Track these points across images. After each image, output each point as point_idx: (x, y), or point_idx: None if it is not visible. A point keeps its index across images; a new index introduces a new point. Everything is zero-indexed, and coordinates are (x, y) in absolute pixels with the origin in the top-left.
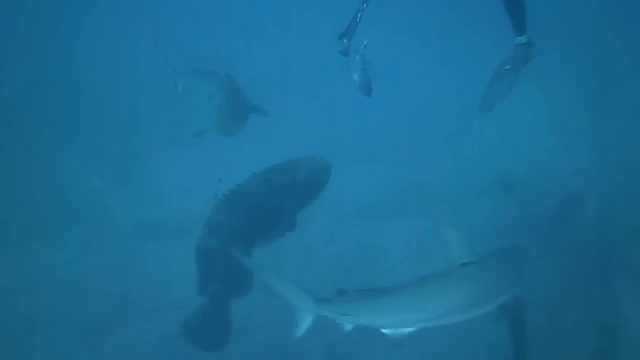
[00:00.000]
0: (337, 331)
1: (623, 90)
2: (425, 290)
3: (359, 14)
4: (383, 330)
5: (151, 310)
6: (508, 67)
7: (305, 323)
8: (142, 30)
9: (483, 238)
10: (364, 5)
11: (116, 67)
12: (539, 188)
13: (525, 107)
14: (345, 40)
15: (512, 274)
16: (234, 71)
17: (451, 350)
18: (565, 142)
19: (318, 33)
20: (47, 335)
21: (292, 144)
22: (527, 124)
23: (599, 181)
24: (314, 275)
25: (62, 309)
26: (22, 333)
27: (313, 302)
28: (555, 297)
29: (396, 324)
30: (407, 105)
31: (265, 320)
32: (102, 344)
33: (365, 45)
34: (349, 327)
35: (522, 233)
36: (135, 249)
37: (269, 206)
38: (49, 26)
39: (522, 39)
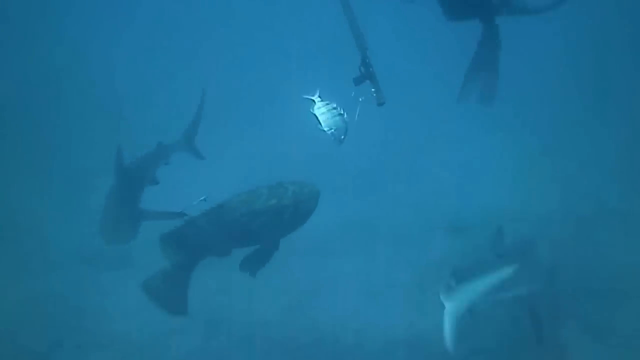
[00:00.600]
0: None
1: (574, 137)
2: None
3: (368, 61)
4: None
5: (86, 344)
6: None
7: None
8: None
9: (431, 278)
10: (367, 52)
11: (69, 83)
12: (488, 233)
13: (478, 151)
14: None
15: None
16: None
17: None
18: (516, 188)
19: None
20: None
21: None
22: (480, 168)
23: (548, 228)
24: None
25: None
26: None
27: None
28: (507, 343)
29: None
30: (361, 140)
31: None
32: None
33: (319, 96)
34: None
35: None
36: (73, 278)
37: (249, 227)
38: None
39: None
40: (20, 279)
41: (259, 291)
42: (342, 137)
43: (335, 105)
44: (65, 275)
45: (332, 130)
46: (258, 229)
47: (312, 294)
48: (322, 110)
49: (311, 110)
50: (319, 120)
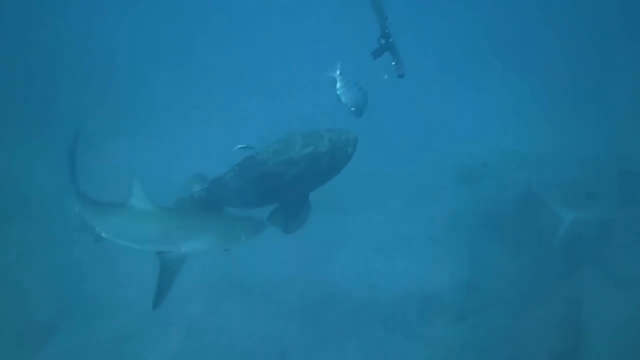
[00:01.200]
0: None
1: (587, 83)
2: None
3: (387, 30)
4: None
5: (95, 312)
6: None
7: None
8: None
9: (449, 229)
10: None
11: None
12: (503, 179)
13: (490, 99)
14: (393, 63)
15: None
16: None
17: None
18: (529, 133)
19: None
20: None
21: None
22: (492, 115)
23: (563, 172)
24: (274, 267)
25: (1, 309)
26: None
27: None
28: (521, 294)
29: None
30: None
31: None
32: (41, 348)
33: (340, 71)
34: None
35: (488, 225)
36: (79, 248)
37: (283, 179)
38: None
39: None
40: (28, 251)
41: (272, 249)
42: (363, 110)
43: (356, 81)
44: (72, 245)
45: (354, 107)
46: (292, 180)
47: (325, 250)
48: (343, 90)
49: (336, 92)
50: (341, 99)
